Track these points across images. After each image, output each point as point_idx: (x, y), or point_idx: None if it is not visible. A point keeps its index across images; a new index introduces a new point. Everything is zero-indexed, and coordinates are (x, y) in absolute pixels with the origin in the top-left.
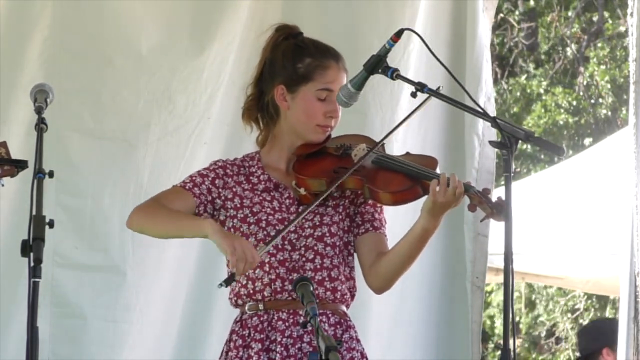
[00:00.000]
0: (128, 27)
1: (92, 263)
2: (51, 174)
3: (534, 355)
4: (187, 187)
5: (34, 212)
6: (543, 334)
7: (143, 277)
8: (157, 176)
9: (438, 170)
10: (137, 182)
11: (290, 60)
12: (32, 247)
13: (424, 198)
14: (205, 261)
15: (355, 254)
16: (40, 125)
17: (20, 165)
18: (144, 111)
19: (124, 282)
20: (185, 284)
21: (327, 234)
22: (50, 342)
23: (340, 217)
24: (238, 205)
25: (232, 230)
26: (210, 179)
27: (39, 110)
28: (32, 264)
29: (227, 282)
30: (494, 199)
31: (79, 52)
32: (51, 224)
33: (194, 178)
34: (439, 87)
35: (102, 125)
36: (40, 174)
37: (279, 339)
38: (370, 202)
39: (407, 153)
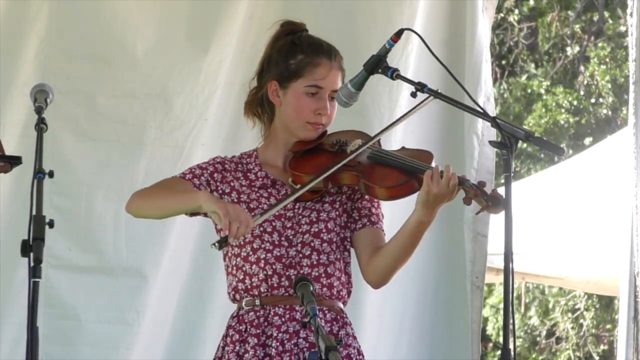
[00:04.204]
0: (124, 28)
1: (86, 264)
2: (51, 174)
3: (534, 355)
4: (186, 178)
5: (34, 212)
6: (543, 334)
7: (137, 278)
8: (152, 178)
9: (433, 164)
10: (132, 184)
11: (284, 56)
12: (32, 247)
13: None
14: (199, 262)
15: (352, 250)
16: (41, 125)
17: (14, 161)
18: (140, 113)
19: (117, 284)
20: (179, 284)
21: (324, 230)
22: (43, 343)
23: (337, 213)
24: (235, 200)
25: None
26: (209, 172)
27: (39, 111)
28: (32, 264)
29: (220, 244)
30: (489, 192)
31: (75, 53)
32: (51, 224)
33: (193, 170)
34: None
35: (97, 126)
36: (40, 174)
37: (275, 334)
38: (366, 197)
39: (403, 147)
